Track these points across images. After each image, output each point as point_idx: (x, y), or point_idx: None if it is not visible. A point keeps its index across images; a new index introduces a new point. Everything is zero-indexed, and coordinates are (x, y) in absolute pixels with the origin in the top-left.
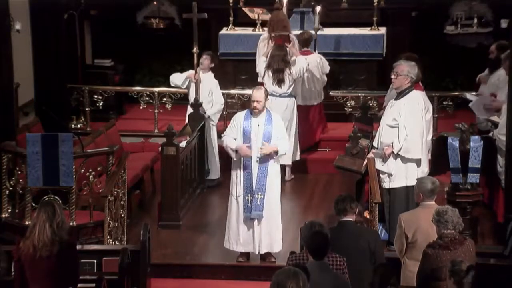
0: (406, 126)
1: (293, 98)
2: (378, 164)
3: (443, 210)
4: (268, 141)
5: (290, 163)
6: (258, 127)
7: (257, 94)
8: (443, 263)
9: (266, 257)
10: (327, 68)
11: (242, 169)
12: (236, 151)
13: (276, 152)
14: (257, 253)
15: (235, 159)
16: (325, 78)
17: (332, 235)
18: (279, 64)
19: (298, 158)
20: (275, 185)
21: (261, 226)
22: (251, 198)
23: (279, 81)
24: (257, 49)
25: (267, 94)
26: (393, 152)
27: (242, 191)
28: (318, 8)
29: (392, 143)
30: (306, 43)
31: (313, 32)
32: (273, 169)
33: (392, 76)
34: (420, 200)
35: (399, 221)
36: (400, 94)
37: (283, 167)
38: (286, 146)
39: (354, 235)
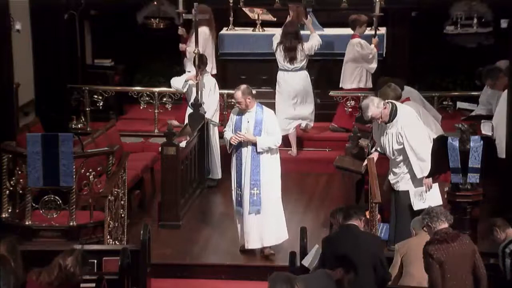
0: (414, 150)
1: (305, 71)
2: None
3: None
4: (258, 136)
5: (312, 124)
6: (248, 123)
7: (235, 95)
8: (444, 257)
9: (264, 250)
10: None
11: (235, 165)
12: (231, 144)
13: (255, 144)
14: (248, 247)
15: (229, 151)
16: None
17: (336, 236)
18: (292, 42)
19: (312, 124)
20: (269, 179)
21: (254, 221)
22: (241, 193)
23: (291, 59)
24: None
25: (249, 91)
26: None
27: (235, 184)
28: None
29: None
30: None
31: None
32: (267, 163)
33: (378, 121)
34: (414, 234)
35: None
36: (390, 118)
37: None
38: (271, 143)
39: (356, 238)
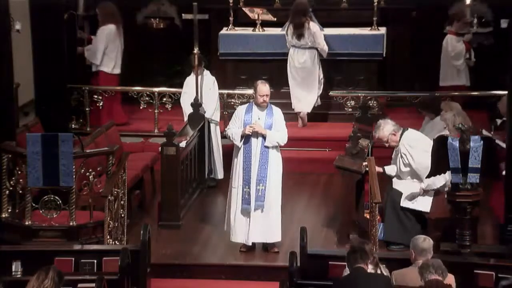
0: (420, 170)
1: (315, 50)
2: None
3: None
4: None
5: (309, 110)
6: (258, 120)
7: (265, 88)
8: None
9: (268, 247)
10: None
11: (242, 161)
12: (242, 136)
13: (264, 137)
14: (250, 244)
15: (239, 146)
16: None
17: (347, 278)
18: (301, 19)
19: (319, 103)
20: (275, 175)
21: (259, 216)
22: (249, 190)
23: (299, 36)
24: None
25: None
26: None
27: (241, 182)
28: None
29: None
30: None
31: None
32: (274, 159)
33: (386, 144)
34: (412, 258)
35: (392, 279)
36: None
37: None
38: (280, 139)
39: (366, 278)
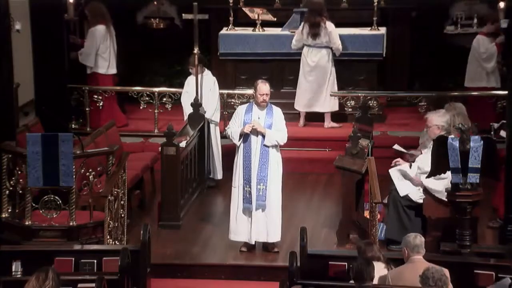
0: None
1: (330, 49)
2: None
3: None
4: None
5: (329, 110)
6: (258, 119)
7: (265, 87)
8: None
9: (269, 247)
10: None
11: (242, 161)
12: (241, 135)
13: (264, 136)
14: (253, 243)
15: (238, 144)
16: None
17: None
18: (316, 18)
19: (337, 108)
20: (275, 175)
21: (260, 216)
22: (250, 189)
23: (314, 35)
24: None
25: None
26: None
27: (242, 181)
28: None
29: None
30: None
31: None
32: (274, 159)
33: (425, 129)
34: (406, 256)
35: (388, 279)
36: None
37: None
38: (279, 138)
39: None
